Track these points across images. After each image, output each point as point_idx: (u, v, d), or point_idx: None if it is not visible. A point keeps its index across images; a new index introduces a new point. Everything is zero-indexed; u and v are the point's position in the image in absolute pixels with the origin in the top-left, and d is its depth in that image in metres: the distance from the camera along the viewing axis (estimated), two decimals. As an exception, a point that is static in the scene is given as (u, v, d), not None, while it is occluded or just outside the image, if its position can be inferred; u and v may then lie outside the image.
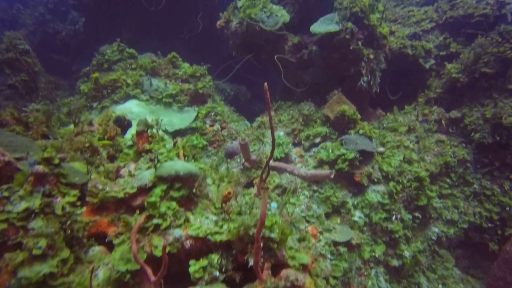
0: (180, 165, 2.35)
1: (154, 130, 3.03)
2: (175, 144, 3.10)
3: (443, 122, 6.36)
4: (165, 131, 5.32)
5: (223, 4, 8.84)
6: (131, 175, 2.72)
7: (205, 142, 5.29)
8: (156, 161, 2.53)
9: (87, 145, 2.84)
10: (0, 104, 5.90)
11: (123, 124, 3.47)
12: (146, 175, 2.47)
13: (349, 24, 5.62)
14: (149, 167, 2.69)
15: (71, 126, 3.48)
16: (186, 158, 3.00)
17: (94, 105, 5.45)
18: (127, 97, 5.61)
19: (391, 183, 4.74)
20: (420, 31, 7.72)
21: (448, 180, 5.64)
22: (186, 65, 6.32)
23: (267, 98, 2.99)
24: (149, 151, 2.89)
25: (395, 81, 7.66)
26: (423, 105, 6.87)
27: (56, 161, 2.16)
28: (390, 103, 7.48)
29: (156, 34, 9.47)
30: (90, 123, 3.35)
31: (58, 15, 13.58)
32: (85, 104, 5.56)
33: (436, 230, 5.35)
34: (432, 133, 6.32)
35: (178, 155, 2.91)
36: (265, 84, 3.03)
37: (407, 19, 8.29)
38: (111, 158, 3.12)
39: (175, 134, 5.44)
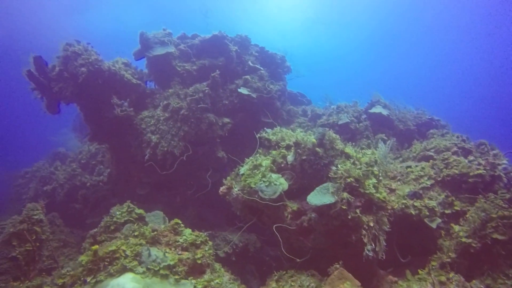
0: None
1: None
2: None
3: (465, 294, 5.71)
4: (156, 311, 4.95)
5: (230, 164, 9.68)
6: None
7: (197, 327, 4.82)
8: None
9: None
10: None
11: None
12: None
13: (345, 195, 5.81)
14: None
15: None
16: None
17: (88, 279, 5.32)
18: (124, 270, 5.51)
19: None
20: (420, 188, 7.85)
21: None
22: (188, 231, 6.40)
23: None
24: None
25: (403, 239, 7.38)
26: (438, 270, 6.34)
27: None
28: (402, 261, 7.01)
29: (168, 189, 10.11)
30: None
31: (88, 168, 15.13)
32: (80, 277, 5.46)
33: None
34: (456, 309, 5.59)
35: None
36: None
37: (406, 175, 8.58)
38: None
39: (167, 314, 5.04)
